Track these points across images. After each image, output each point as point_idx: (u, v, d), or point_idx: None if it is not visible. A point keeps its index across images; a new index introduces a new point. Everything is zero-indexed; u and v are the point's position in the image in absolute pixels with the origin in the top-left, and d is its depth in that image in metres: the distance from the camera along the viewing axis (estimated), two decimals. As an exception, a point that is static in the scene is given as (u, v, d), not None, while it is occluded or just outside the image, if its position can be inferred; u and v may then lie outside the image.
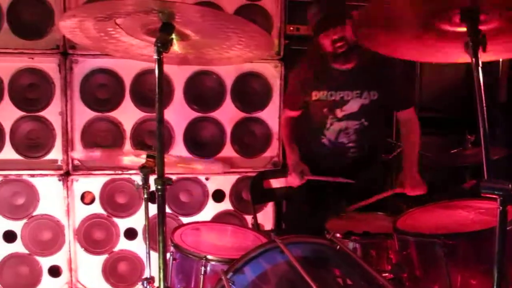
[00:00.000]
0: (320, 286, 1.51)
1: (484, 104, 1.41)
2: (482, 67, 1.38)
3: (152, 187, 1.91)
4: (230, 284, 1.79)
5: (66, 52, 2.95)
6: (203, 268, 2.05)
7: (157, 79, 1.51)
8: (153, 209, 3.01)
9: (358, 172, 2.48)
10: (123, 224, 3.15)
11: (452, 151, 2.77)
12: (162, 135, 1.54)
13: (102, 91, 3.06)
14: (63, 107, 2.98)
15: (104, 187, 3.10)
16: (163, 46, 1.48)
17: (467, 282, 1.94)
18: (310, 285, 1.55)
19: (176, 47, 1.61)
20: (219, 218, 3.19)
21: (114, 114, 3.08)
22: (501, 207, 1.35)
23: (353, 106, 2.43)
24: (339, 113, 2.45)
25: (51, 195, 3.04)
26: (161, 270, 1.55)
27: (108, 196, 3.12)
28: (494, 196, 1.36)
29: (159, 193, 1.54)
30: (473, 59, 1.38)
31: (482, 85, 1.38)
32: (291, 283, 1.83)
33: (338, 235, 2.18)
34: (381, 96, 2.43)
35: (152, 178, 1.86)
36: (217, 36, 1.57)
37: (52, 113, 3.00)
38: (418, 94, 3.52)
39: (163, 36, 1.49)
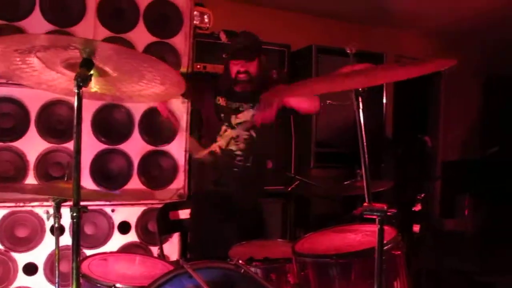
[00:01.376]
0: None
1: (365, 142, 1.70)
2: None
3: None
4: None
5: (-33, 80, 2.87)
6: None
7: (76, 113, 1.58)
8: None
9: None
10: (22, 259, 3.03)
11: (344, 183, 3.07)
12: (79, 164, 1.58)
13: (6, 120, 2.99)
14: (-39, 137, 2.87)
15: (3, 220, 2.98)
16: (82, 81, 1.56)
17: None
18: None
19: (93, 83, 1.68)
20: (125, 250, 3.20)
21: (17, 144, 3.00)
22: (379, 225, 1.61)
23: (246, 115, 2.68)
24: (234, 120, 2.68)
25: None
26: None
27: (7, 229, 2.99)
28: (374, 217, 1.64)
29: (75, 220, 1.59)
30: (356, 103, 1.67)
31: (363, 125, 1.67)
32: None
33: (240, 261, 2.35)
34: None
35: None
36: (133, 74, 1.67)
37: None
38: (314, 132, 3.85)
39: (83, 71, 1.56)
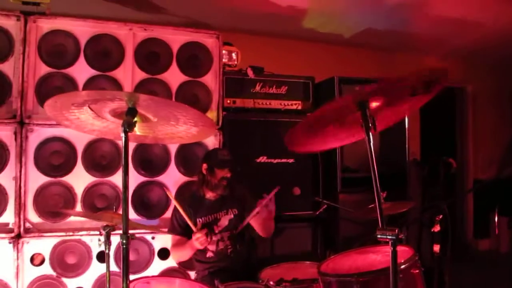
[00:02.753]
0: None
1: (376, 168, 1.90)
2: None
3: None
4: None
5: (22, 121, 3.21)
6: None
7: (123, 154, 1.81)
8: (101, 268, 3.26)
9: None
10: (72, 283, 3.30)
11: (369, 206, 3.23)
12: (127, 198, 1.83)
13: (56, 157, 3.31)
14: (17, 173, 3.19)
15: (54, 248, 3.27)
16: (128, 126, 1.82)
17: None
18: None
19: (137, 127, 1.94)
20: (165, 274, 3.42)
21: (66, 178, 3.31)
22: (392, 248, 1.79)
23: (224, 221, 3.11)
24: (216, 229, 3.08)
25: (0, 258, 3.17)
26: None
27: (58, 257, 3.28)
28: (387, 239, 1.81)
29: (124, 246, 1.82)
30: (366, 136, 1.88)
31: (373, 153, 1.88)
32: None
33: (271, 282, 2.56)
34: (239, 210, 3.14)
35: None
36: (169, 118, 1.93)
37: (5, 178, 3.19)
38: (339, 159, 4.04)
39: (128, 118, 1.83)
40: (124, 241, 1.83)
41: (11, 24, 3.26)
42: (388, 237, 1.80)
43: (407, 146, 4.28)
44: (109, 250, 2.40)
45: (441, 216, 2.94)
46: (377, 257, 2.55)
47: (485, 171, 6.58)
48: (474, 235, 6.52)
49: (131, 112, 1.86)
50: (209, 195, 3.14)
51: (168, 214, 3.45)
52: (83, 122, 2.02)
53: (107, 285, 2.49)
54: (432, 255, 3.09)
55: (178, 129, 2.01)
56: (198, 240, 2.85)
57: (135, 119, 1.87)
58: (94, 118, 1.96)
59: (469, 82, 6.43)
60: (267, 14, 4.41)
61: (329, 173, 4.04)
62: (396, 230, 1.79)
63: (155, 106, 1.90)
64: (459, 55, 6.06)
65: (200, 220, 3.08)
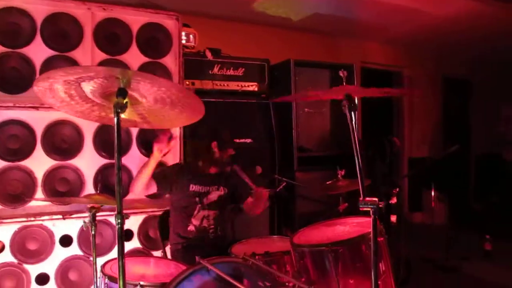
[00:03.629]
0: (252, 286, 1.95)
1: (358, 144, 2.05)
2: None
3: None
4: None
5: (-24, 104, 3.07)
6: (135, 293, 2.34)
7: (116, 135, 1.79)
8: (64, 252, 3.22)
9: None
10: (34, 270, 3.24)
11: (327, 183, 3.42)
12: (121, 179, 1.83)
13: (13, 141, 3.20)
14: (-26, 158, 3.06)
15: (15, 234, 3.17)
16: (120, 108, 1.82)
17: (349, 278, 2.52)
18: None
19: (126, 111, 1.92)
20: (131, 256, 3.43)
21: (25, 163, 3.22)
22: (373, 216, 1.96)
23: (214, 196, 3.14)
24: (205, 201, 3.12)
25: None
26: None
27: (19, 243, 3.19)
28: (368, 209, 1.97)
29: (118, 226, 1.84)
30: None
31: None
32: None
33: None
34: (229, 191, 3.21)
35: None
36: (161, 101, 1.95)
37: (-40, 164, 3.06)
38: (295, 139, 4.21)
39: (119, 100, 1.83)
40: (119, 220, 1.85)
41: (-41, 1, 3.09)
42: (370, 206, 1.96)
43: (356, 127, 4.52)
44: (94, 232, 2.38)
45: (397, 189, 3.18)
46: (345, 228, 2.74)
47: (418, 149, 7.05)
48: (408, 208, 6.99)
49: (122, 92, 1.85)
50: (212, 170, 3.15)
51: (130, 196, 3.45)
52: (68, 103, 1.99)
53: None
54: (389, 225, 3.35)
55: (168, 112, 2.03)
56: (158, 143, 2.87)
57: (126, 100, 1.87)
58: (81, 99, 1.94)
59: (406, 67, 6.83)
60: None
61: (286, 153, 4.19)
62: (377, 200, 1.96)
63: (147, 86, 1.91)
64: (398, 41, 6.41)
65: (194, 187, 3.09)
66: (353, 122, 2.06)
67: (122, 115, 1.91)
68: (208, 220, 3.12)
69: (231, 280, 2.11)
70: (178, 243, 3.12)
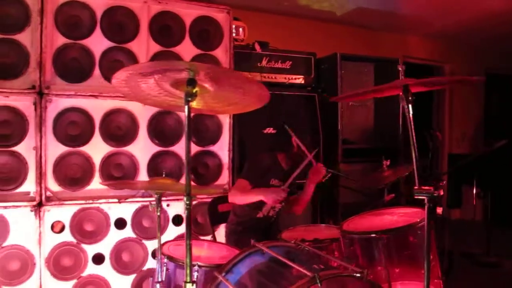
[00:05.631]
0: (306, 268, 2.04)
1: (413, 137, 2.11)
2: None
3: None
4: (226, 280, 2.27)
5: (41, 92, 3.25)
6: (195, 274, 2.47)
7: (186, 123, 1.91)
8: (119, 234, 3.37)
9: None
10: (91, 250, 3.42)
11: (373, 174, 3.48)
12: (190, 163, 1.94)
13: (74, 127, 3.37)
14: (38, 142, 3.24)
15: (74, 216, 3.36)
16: (190, 96, 1.93)
17: (395, 266, 2.59)
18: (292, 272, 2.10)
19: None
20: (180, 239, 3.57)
21: (84, 148, 3.39)
22: (428, 204, 2.01)
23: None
24: None
25: (22, 226, 3.23)
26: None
27: (77, 224, 3.38)
28: (423, 197, 2.03)
29: (188, 207, 1.96)
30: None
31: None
32: (273, 275, 2.34)
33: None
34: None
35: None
36: (228, 89, 2.06)
37: (25, 148, 3.24)
38: (340, 130, 4.27)
39: (189, 89, 1.94)
40: (188, 202, 1.96)
41: (27, -6, 3.27)
42: (425, 195, 2.02)
43: (400, 120, 4.55)
44: (160, 213, 2.52)
45: (444, 182, 3.21)
46: (393, 218, 2.81)
47: (459, 146, 6.99)
48: (447, 204, 6.95)
49: (191, 82, 1.97)
50: (288, 164, 3.26)
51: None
52: (143, 93, 2.12)
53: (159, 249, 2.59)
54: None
55: (233, 99, 2.14)
56: (279, 195, 2.95)
57: (196, 89, 1.98)
58: (154, 90, 2.07)
59: (447, 62, 6.77)
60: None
61: (330, 145, 4.26)
62: (432, 188, 2.02)
63: (215, 76, 2.01)
64: (440, 36, 6.37)
65: (274, 181, 3.19)
66: (410, 115, 2.12)
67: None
68: (274, 210, 3.25)
69: (287, 261, 2.20)
70: (236, 225, 3.24)
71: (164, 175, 2.60)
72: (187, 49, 3.65)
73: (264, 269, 2.38)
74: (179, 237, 3.58)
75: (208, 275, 2.47)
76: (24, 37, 3.25)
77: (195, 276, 2.47)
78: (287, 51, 4.17)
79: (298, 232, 3.09)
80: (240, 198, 3.15)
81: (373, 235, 2.53)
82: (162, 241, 3.48)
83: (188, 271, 1.97)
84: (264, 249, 2.38)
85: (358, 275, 2.03)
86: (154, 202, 2.52)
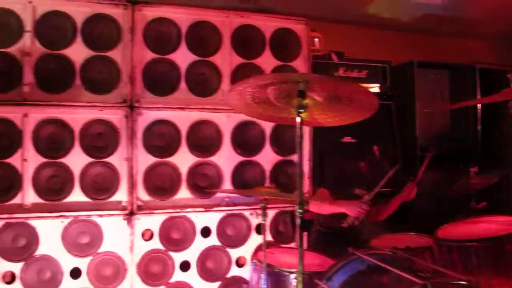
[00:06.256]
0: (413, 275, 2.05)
1: None
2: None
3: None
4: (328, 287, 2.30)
5: (132, 105, 3.40)
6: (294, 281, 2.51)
7: (298, 134, 1.98)
8: (204, 243, 3.44)
9: None
10: (178, 257, 3.52)
11: (460, 181, 3.43)
12: (302, 173, 1.99)
13: (162, 138, 3.50)
14: (129, 154, 3.39)
15: (163, 224, 3.48)
16: (301, 108, 1.99)
17: (494, 276, 2.54)
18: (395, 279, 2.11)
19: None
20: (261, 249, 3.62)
21: (172, 159, 3.51)
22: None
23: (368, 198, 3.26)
24: None
25: (114, 234, 3.38)
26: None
27: (165, 232, 3.49)
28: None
29: (300, 215, 2.01)
30: None
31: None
32: (375, 283, 2.35)
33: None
34: None
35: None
36: (337, 100, 2.10)
37: (117, 159, 3.40)
38: (418, 138, 4.23)
39: (300, 100, 2.00)
40: (300, 211, 2.01)
41: (118, 13, 3.44)
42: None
43: (479, 126, 4.45)
44: (265, 222, 2.59)
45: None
46: (490, 226, 2.75)
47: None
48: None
49: (302, 94, 2.02)
50: (370, 173, 3.33)
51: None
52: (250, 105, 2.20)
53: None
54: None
55: (339, 110, 2.18)
56: (362, 208, 3.01)
57: (306, 101, 2.03)
58: (261, 101, 2.14)
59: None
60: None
61: (408, 152, 4.22)
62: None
63: (324, 87, 2.06)
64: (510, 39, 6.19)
65: (358, 191, 3.26)
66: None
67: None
68: (358, 220, 3.26)
69: (391, 268, 2.21)
70: (324, 233, 3.28)
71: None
72: (267, 60, 3.73)
73: (365, 276, 2.39)
74: (259, 248, 3.63)
75: (308, 283, 2.50)
76: (116, 54, 3.43)
77: (295, 283, 2.51)
78: (363, 60, 4.18)
79: (387, 240, 3.10)
80: (322, 208, 3.19)
81: (474, 243, 2.50)
82: (247, 249, 3.62)
83: (300, 278, 2.03)
84: (364, 257, 2.40)
85: (468, 283, 2.02)
86: (259, 211, 2.57)
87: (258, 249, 2.99)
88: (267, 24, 3.75)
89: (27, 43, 3.31)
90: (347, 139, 3.99)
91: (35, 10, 3.34)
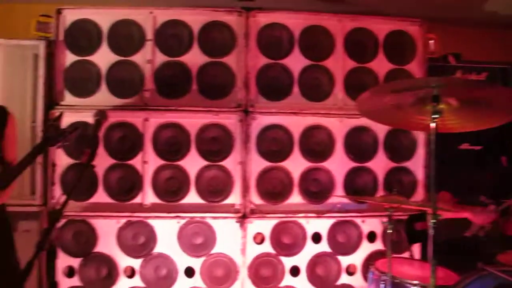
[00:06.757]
0: None
1: None
2: None
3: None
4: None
5: (247, 110, 3.46)
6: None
7: (432, 139, 1.89)
8: (314, 248, 3.38)
9: None
10: (288, 262, 3.52)
11: None
12: (435, 183, 1.90)
13: (274, 143, 3.52)
14: (243, 158, 3.45)
15: (274, 228, 3.49)
16: (437, 113, 1.90)
17: None
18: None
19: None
20: (372, 257, 3.52)
21: (284, 164, 3.51)
22: None
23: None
24: None
25: (227, 236, 3.45)
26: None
27: (276, 236, 3.51)
28: None
29: (434, 226, 1.91)
30: None
31: None
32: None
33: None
34: None
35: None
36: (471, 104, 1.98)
37: (231, 162, 3.47)
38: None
39: (435, 106, 1.91)
40: (433, 221, 1.92)
41: (233, 20, 3.52)
42: None
43: None
44: (392, 230, 2.51)
45: None
46: None
47: None
48: None
49: (437, 99, 1.93)
50: (496, 183, 3.16)
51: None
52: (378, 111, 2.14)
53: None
54: None
55: (475, 114, 2.06)
56: (489, 216, 2.87)
57: (441, 106, 1.94)
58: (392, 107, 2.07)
59: None
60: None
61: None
62: None
63: (460, 91, 1.96)
64: None
65: (483, 198, 3.07)
66: None
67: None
68: (483, 230, 3.07)
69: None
70: (443, 243, 3.12)
71: (395, 192, 2.58)
72: (381, 64, 3.62)
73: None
74: (370, 256, 3.53)
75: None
76: (231, 60, 3.51)
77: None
78: (482, 62, 3.93)
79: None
80: (446, 212, 3.01)
81: None
82: (357, 257, 3.54)
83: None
84: (497, 273, 2.24)
85: None
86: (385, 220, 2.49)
87: (377, 257, 2.90)
88: (380, 27, 3.64)
89: (148, 51, 3.48)
90: (465, 146, 3.76)
91: (155, 20, 3.51)
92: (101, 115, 2.61)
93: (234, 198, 3.47)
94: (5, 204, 2.83)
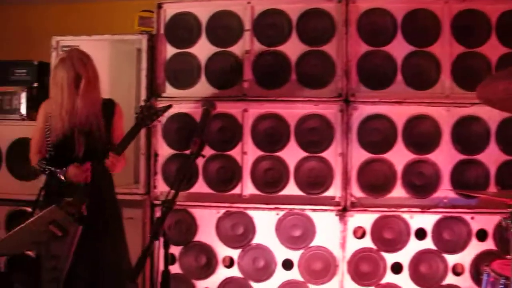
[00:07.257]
0: None
1: None
2: None
3: None
4: None
5: (347, 99, 3.35)
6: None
7: None
8: (419, 245, 3.19)
9: None
10: (390, 258, 3.37)
11: None
12: None
13: (376, 134, 3.38)
14: (344, 149, 3.34)
15: (375, 223, 3.36)
16: None
17: None
18: None
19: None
20: (482, 257, 3.27)
21: (387, 155, 3.37)
22: None
23: None
24: None
25: (326, 229, 3.37)
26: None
27: (378, 231, 3.37)
28: None
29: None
30: None
31: None
32: None
33: None
34: None
35: None
36: None
37: (331, 154, 3.37)
38: None
39: None
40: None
41: (332, 7, 3.42)
42: None
43: None
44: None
45: None
46: None
47: None
48: None
49: None
50: None
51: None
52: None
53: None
54: None
55: None
56: None
57: None
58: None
59: None
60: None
61: None
62: None
63: None
64: None
65: None
66: None
67: None
68: None
69: None
70: None
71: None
72: (493, 48, 3.33)
73: None
74: (479, 256, 3.29)
75: None
76: (330, 48, 3.41)
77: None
78: None
79: None
80: None
81: None
82: (466, 256, 3.31)
83: None
84: None
85: None
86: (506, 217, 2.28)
87: (488, 258, 2.68)
88: (492, 7, 3.35)
89: (247, 41, 3.48)
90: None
91: (253, 9, 3.50)
92: (208, 104, 2.63)
93: (334, 191, 3.38)
94: (115, 192, 2.96)
